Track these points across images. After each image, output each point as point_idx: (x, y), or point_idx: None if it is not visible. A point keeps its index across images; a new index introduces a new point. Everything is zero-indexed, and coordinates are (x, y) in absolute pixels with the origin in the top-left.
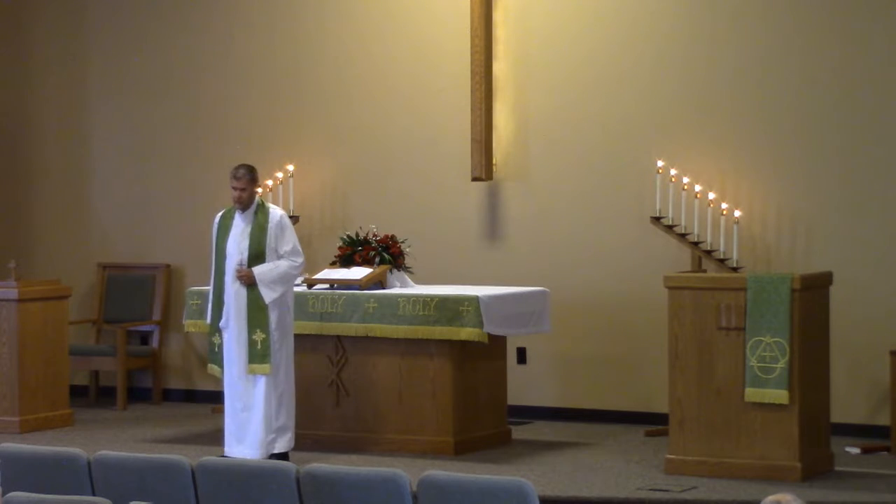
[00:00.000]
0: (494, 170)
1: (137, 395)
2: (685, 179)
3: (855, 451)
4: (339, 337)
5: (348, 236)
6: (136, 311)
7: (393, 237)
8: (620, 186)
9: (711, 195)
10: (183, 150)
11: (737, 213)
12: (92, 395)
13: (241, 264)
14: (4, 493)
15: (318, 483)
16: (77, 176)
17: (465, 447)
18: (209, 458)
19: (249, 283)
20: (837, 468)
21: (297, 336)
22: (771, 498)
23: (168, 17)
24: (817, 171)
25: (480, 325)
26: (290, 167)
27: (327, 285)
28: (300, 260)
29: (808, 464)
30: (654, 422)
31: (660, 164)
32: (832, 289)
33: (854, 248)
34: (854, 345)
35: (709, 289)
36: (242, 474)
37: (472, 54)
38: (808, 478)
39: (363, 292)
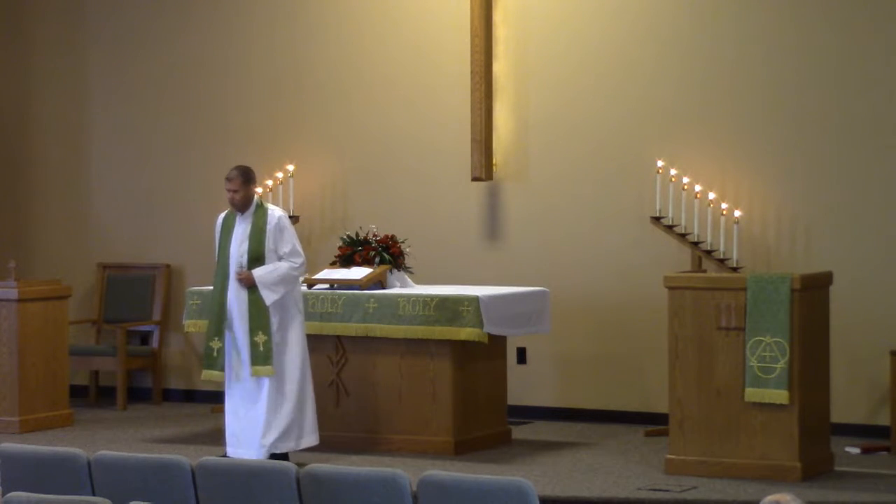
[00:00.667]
0: (494, 170)
1: (137, 395)
2: (685, 179)
3: (855, 451)
4: (339, 337)
5: (348, 236)
6: (136, 311)
7: (393, 237)
8: (620, 186)
9: (711, 195)
10: (183, 150)
11: (737, 213)
12: (92, 395)
13: (241, 266)
14: (4, 493)
15: (318, 483)
16: (77, 176)
17: (465, 447)
18: (209, 458)
19: (249, 285)
20: (837, 468)
21: None
22: (771, 498)
23: (168, 17)
24: (817, 171)
25: (480, 325)
26: (290, 167)
27: (327, 285)
28: (300, 261)
29: (808, 464)
30: (654, 422)
31: (660, 164)
32: (832, 289)
33: (854, 248)
34: (854, 345)
35: (709, 289)
36: (242, 474)
37: (472, 54)
38: (808, 478)
39: (363, 292)
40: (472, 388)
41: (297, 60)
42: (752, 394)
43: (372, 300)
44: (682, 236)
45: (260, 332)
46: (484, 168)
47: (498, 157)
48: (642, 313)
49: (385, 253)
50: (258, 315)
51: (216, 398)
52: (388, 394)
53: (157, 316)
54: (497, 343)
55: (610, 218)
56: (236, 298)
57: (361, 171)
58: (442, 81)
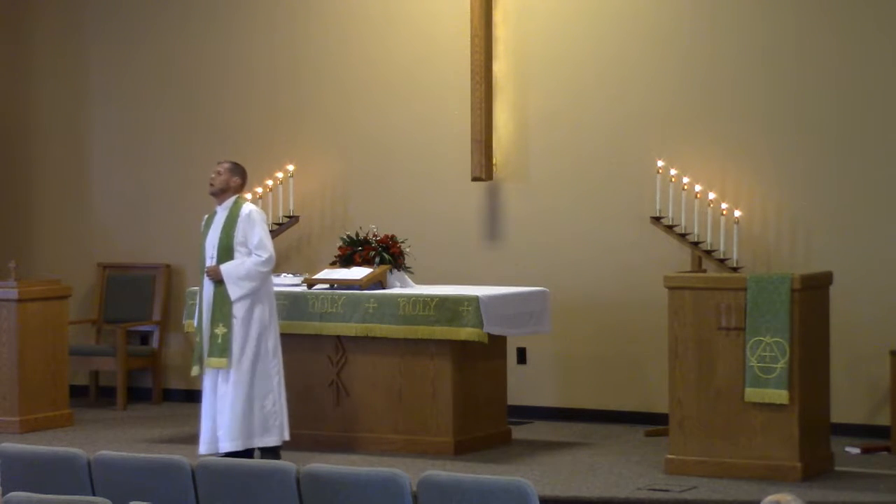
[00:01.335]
0: (494, 170)
1: (137, 395)
2: (685, 179)
3: (855, 451)
4: (339, 337)
5: (348, 236)
6: (136, 311)
7: (393, 237)
8: (620, 186)
9: (711, 195)
10: (183, 150)
11: (737, 213)
12: (92, 395)
13: (211, 259)
14: (4, 493)
15: (318, 483)
16: (77, 176)
17: (465, 447)
18: (209, 458)
19: (216, 279)
20: (837, 468)
21: (297, 336)
22: (771, 498)
23: (168, 17)
24: (817, 171)
25: (480, 325)
26: (290, 167)
27: (327, 285)
28: (266, 255)
29: (808, 464)
30: (654, 422)
31: (660, 164)
32: (832, 289)
33: (854, 248)
34: (854, 345)
35: (709, 289)
36: (242, 474)
37: (472, 54)
38: (808, 478)
39: (363, 292)
40: (472, 388)
41: (296, 60)
42: (752, 394)
43: (372, 300)
44: (682, 236)
45: (220, 325)
46: (484, 168)
47: (498, 157)
48: (642, 313)
49: (385, 253)
50: (220, 308)
51: None
52: (388, 394)
53: (157, 316)
54: (497, 343)
55: (610, 218)
56: (206, 292)
57: (361, 171)
58: (442, 81)
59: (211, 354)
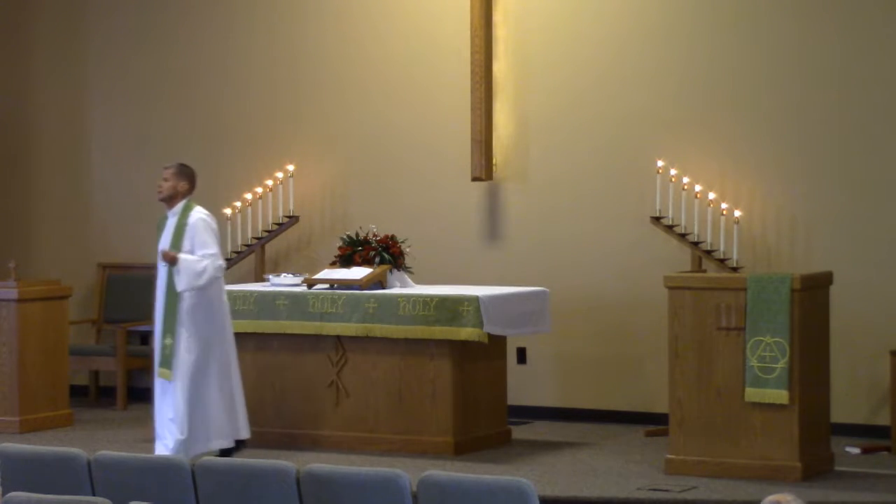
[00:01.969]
0: (494, 170)
1: (137, 395)
2: (685, 179)
3: (855, 451)
4: (339, 337)
5: (348, 236)
6: (136, 311)
7: (393, 237)
8: (620, 186)
9: (711, 195)
10: (183, 150)
11: (737, 213)
12: (92, 395)
13: (164, 265)
14: (4, 493)
15: (318, 483)
16: (77, 176)
17: (465, 447)
18: (209, 458)
19: (172, 263)
20: (837, 468)
21: (297, 336)
22: (771, 498)
23: (168, 17)
24: (817, 171)
25: (480, 325)
26: (290, 167)
27: (327, 285)
28: (220, 263)
29: (808, 464)
30: (654, 422)
31: (660, 164)
32: (832, 289)
33: (854, 248)
34: (854, 345)
35: (709, 289)
36: (242, 474)
37: (472, 54)
38: (808, 478)
39: (363, 292)
40: (472, 388)
41: (296, 60)
42: (752, 394)
43: (372, 300)
44: (682, 236)
45: (168, 335)
46: (484, 168)
47: (498, 157)
48: (642, 313)
49: (385, 253)
50: (170, 317)
51: None
52: (388, 394)
53: None
54: (497, 343)
55: (610, 218)
56: (158, 298)
57: (361, 171)
58: (442, 81)
59: (161, 364)
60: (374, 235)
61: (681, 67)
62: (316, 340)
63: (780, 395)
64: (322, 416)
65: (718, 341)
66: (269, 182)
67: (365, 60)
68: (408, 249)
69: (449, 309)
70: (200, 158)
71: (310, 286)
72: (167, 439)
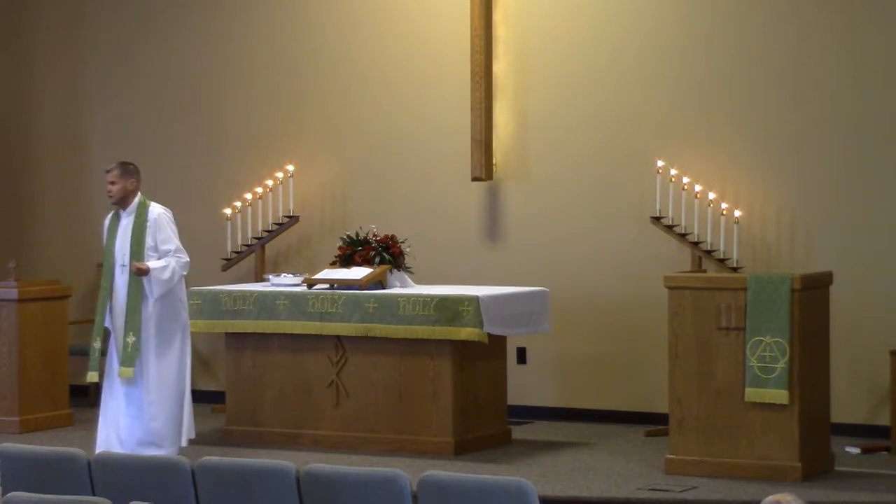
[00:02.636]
0: (494, 170)
1: None
2: (685, 179)
3: (855, 451)
4: (339, 337)
5: (348, 236)
6: None
7: (393, 237)
8: (620, 186)
9: (711, 195)
10: (182, 150)
11: (737, 213)
12: (92, 395)
13: (122, 266)
14: (4, 493)
15: (318, 483)
16: (77, 176)
17: (465, 447)
18: (209, 458)
19: (143, 273)
20: (837, 468)
21: (297, 336)
22: (771, 498)
23: (168, 17)
24: (817, 171)
25: (480, 325)
26: (290, 167)
27: (327, 285)
28: (186, 259)
29: (808, 464)
30: (654, 422)
31: (660, 164)
32: (832, 289)
33: (854, 248)
34: (854, 345)
35: (709, 289)
36: (242, 474)
37: (472, 54)
38: (808, 478)
39: (363, 292)
40: (472, 388)
41: (297, 61)
42: (752, 394)
43: (372, 300)
44: (682, 236)
45: (131, 333)
46: (484, 168)
47: (498, 157)
48: (642, 313)
49: (385, 253)
50: (133, 316)
51: (216, 398)
52: (388, 394)
53: None
54: (497, 343)
55: (610, 218)
56: (117, 297)
57: (361, 171)
58: (442, 81)
59: (123, 363)
60: (374, 235)
61: (681, 68)
62: (316, 340)
63: (780, 395)
64: (322, 416)
65: (718, 341)
66: (269, 182)
67: (365, 60)
68: (408, 249)
69: (449, 309)
70: (201, 158)
71: (310, 286)
72: (126, 446)
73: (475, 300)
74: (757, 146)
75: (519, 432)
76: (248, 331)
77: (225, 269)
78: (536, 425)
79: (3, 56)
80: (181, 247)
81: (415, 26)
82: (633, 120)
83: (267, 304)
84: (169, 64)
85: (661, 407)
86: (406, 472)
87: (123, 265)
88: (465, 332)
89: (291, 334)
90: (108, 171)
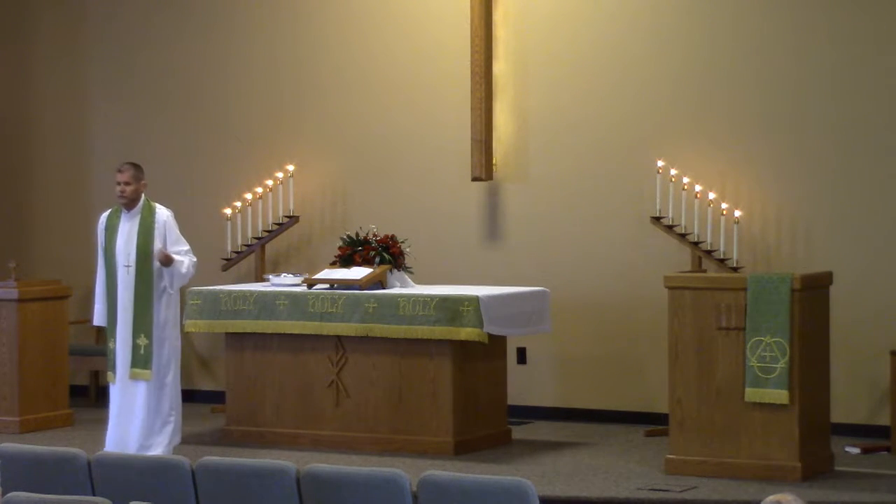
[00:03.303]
0: (494, 170)
1: None
2: (685, 179)
3: (855, 451)
4: (339, 337)
5: (348, 236)
6: None
7: (393, 237)
8: (620, 186)
9: (711, 195)
10: (183, 150)
11: (737, 213)
12: (92, 395)
13: (127, 266)
14: (4, 493)
15: (318, 483)
16: (77, 176)
17: (465, 447)
18: (209, 458)
19: (168, 263)
20: (837, 468)
21: (297, 336)
22: (771, 498)
23: (168, 17)
24: (817, 171)
25: (480, 325)
26: (290, 167)
27: (327, 285)
28: (194, 258)
29: (808, 464)
30: (654, 422)
31: (660, 164)
32: (832, 289)
33: (854, 248)
34: (854, 345)
35: (709, 289)
36: (242, 474)
37: (472, 54)
38: (808, 478)
39: (363, 292)
40: (472, 388)
41: (297, 60)
42: (752, 394)
43: (372, 300)
44: (682, 236)
45: (142, 335)
46: (484, 168)
47: (498, 157)
48: (642, 313)
49: (385, 253)
50: (142, 317)
51: (216, 398)
52: (388, 394)
53: None
54: (497, 343)
55: (610, 218)
56: (122, 298)
57: (361, 171)
58: (442, 81)
59: (134, 365)
60: (374, 235)
61: (680, 68)
62: (316, 340)
63: (780, 395)
64: (322, 415)
65: (718, 341)
66: (269, 182)
67: (365, 61)
68: (408, 249)
69: (449, 309)
70: (201, 158)
71: (310, 286)
72: (134, 447)
73: (475, 300)
74: (757, 146)
75: (519, 432)
76: (248, 331)
77: (225, 269)
78: (536, 425)
79: (3, 56)
80: (190, 249)
81: (415, 26)
82: (633, 120)
83: (267, 304)
84: (170, 64)
85: (661, 407)
86: (406, 472)
87: (128, 266)
88: (466, 332)
89: (291, 334)
90: (120, 172)
